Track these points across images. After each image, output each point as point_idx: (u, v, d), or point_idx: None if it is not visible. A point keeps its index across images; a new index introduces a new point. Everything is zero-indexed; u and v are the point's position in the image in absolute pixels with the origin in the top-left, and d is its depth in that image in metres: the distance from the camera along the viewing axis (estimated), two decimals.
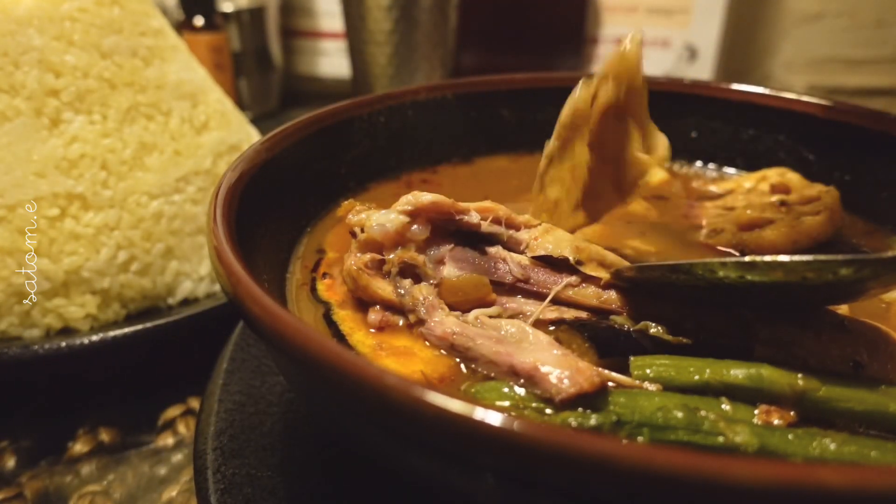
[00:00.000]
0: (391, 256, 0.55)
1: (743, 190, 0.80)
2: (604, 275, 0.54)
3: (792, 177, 0.78)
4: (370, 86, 1.66)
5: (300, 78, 1.99)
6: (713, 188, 0.84)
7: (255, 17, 1.70)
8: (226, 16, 1.64)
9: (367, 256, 0.56)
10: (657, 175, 0.67)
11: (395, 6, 1.52)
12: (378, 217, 0.55)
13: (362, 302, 0.57)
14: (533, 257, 0.55)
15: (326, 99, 0.89)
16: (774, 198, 0.75)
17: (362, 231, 0.56)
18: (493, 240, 0.57)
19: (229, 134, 1.02)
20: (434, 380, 0.48)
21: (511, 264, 0.55)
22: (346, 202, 0.59)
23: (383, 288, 0.55)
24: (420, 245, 0.56)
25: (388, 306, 0.55)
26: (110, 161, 0.89)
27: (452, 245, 0.56)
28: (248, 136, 1.07)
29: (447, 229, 0.57)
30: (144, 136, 0.92)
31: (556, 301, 0.54)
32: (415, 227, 0.55)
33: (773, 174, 0.80)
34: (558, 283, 0.54)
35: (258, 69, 1.75)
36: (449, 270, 0.55)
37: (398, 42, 1.57)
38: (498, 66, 1.78)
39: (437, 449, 0.37)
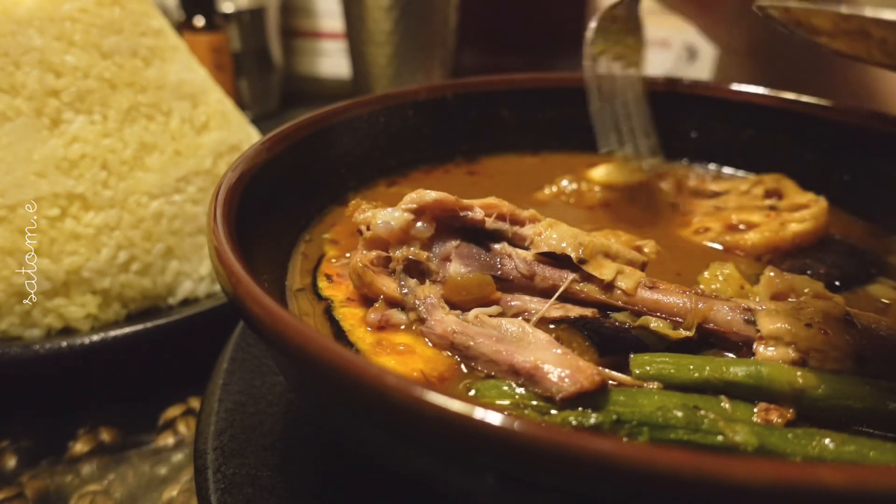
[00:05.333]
0: (396, 254, 0.55)
1: (738, 192, 0.81)
2: (607, 274, 0.54)
3: (787, 183, 0.79)
4: (370, 86, 1.66)
5: (300, 78, 1.99)
6: (712, 187, 0.84)
7: (255, 18, 1.70)
8: (226, 16, 1.64)
9: (373, 254, 0.56)
10: None
11: (395, 6, 1.52)
12: (383, 215, 0.56)
13: (369, 299, 0.57)
14: (537, 254, 0.55)
15: (326, 99, 0.89)
16: (766, 202, 0.76)
17: (368, 229, 0.56)
18: (497, 236, 0.57)
19: (229, 134, 1.02)
20: (433, 378, 0.49)
21: (516, 260, 0.56)
22: (353, 201, 0.59)
23: (387, 285, 0.55)
24: (425, 242, 0.56)
25: (392, 303, 0.55)
26: (111, 161, 0.89)
27: (458, 242, 0.56)
28: (248, 137, 1.07)
29: (452, 226, 0.57)
30: (145, 136, 0.92)
31: (562, 297, 0.54)
32: (419, 224, 0.56)
33: (770, 179, 0.80)
34: (563, 280, 0.54)
35: (258, 69, 1.75)
36: (455, 267, 0.55)
37: (398, 42, 1.57)
38: (498, 66, 1.78)
39: (437, 448, 0.37)
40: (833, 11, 0.40)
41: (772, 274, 0.56)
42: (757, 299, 0.55)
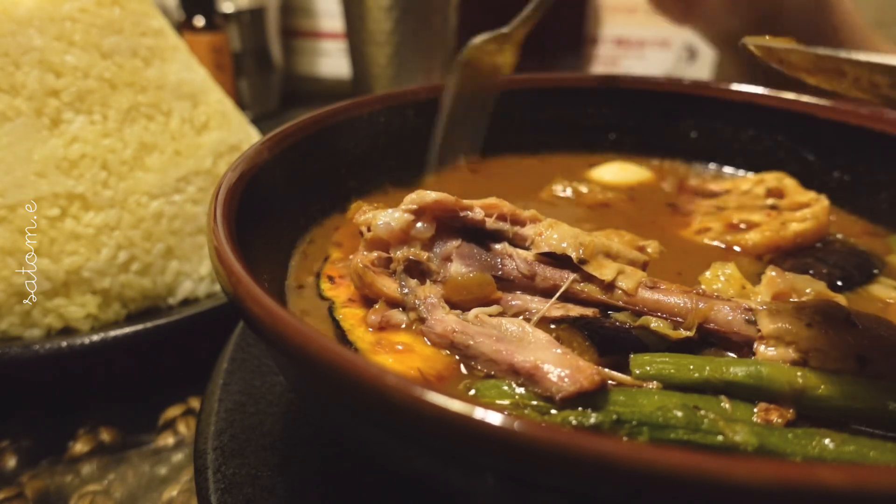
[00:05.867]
0: (397, 254, 0.55)
1: (739, 191, 0.80)
2: (607, 275, 0.54)
3: (788, 182, 0.79)
4: (370, 86, 1.66)
5: (300, 78, 1.99)
6: (713, 187, 0.84)
7: (255, 18, 1.70)
8: (226, 16, 1.64)
9: (374, 254, 0.57)
10: None
11: (395, 6, 1.52)
12: (384, 216, 0.56)
13: (371, 300, 0.57)
14: (538, 254, 0.56)
15: (326, 99, 0.89)
16: (768, 201, 0.76)
17: (369, 230, 0.56)
18: (498, 236, 0.58)
19: (229, 134, 1.02)
20: (431, 377, 0.49)
21: (517, 260, 0.56)
22: (354, 203, 0.60)
23: (388, 285, 0.55)
24: (425, 242, 0.56)
25: (393, 304, 0.55)
26: (111, 161, 0.89)
27: (459, 242, 0.56)
28: (249, 137, 1.07)
29: (453, 226, 0.57)
30: (145, 136, 0.92)
31: (562, 297, 0.54)
32: (419, 224, 0.56)
33: (771, 178, 0.80)
34: (564, 280, 0.54)
35: (258, 69, 1.75)
36: (455, 267, 0.55)
37: (398, 42, 1.57)
38: None
39: (437, 448, 0.37)
40: (811, 52, 0.43)
41: (773, 274, 0.56)
42: (758, 299, 0.55)
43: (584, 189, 0.83)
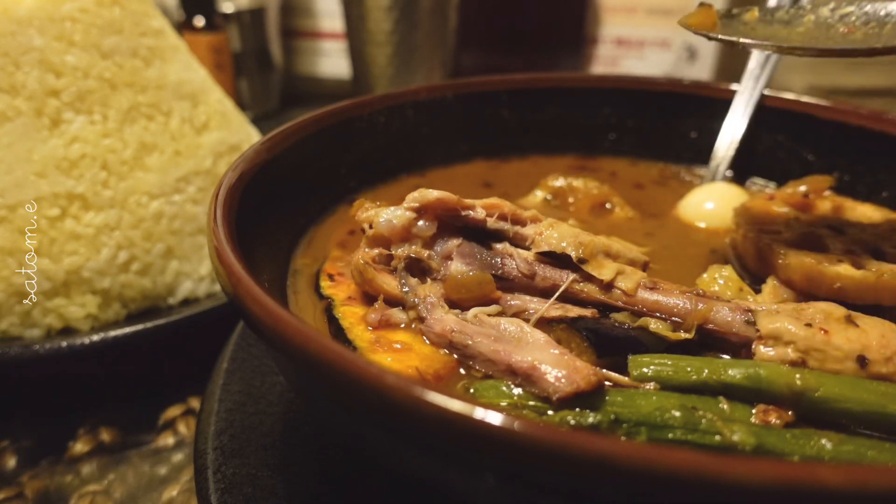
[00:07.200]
0: (398, 252, 0.56)
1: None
2: (606, 274, 0.54)
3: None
4: (370, 86, 1.66)
5: (300, 78, 1.99)
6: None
7: (255, 18, 1.70)
8: (226, 16, 1.64)
9: (375, 251, 0.57)
10: None
11: (395, 7, 1.52)
12: (386, 213, 0.56)
13: (371, 298, 0.57)
14: (538, 253, 0.56)
15: (326, 99, 0.89)
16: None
17: (371, 227, 0.57)
18: (499, 236, 0.58)
19: (229, 134, 1.02)
20: (429, 376, 0.49)
21: (517, 260, 0.56)
22: (357, 201, 0.60)
23: (388, 282, 0.56)
24: (426, 241, 0.56)
25: (392, 302, 0.55)
26: (111, 161, 0.89)
27: (460, 240, 0.57)
28: (249, 137, 1.07)
29: (454, 225, 0.57)
30: (145, 136, 0.92)
31: (562, 297, 0.54)
32: (421, 222, 0.56)
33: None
34: (563, 280, 0.54)
35: (258, 69, 1.75)
36: (456, 266, 0.55)
37: (398, 42, 1.57)
38: (498, 66, 1.78)
39: (437, 448, 0.37)
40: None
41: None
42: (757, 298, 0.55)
43: (581, 187, 0.83)
